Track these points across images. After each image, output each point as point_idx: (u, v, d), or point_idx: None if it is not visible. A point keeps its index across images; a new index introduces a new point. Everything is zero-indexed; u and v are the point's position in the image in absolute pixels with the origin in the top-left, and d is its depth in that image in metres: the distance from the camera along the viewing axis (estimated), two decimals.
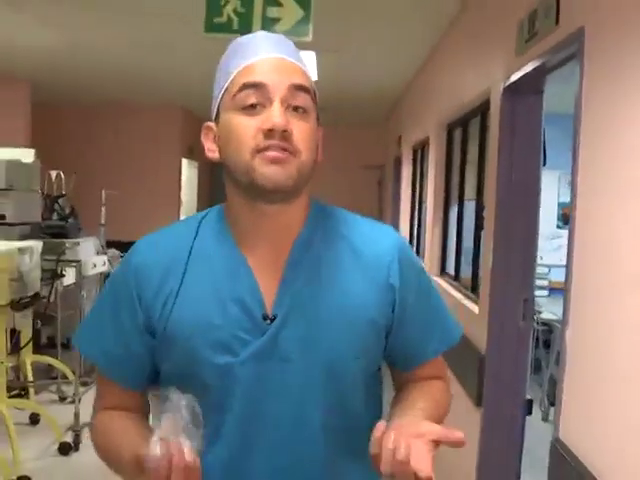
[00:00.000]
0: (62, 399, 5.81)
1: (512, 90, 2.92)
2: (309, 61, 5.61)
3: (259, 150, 1.21)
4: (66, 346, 6.15)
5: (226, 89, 1.26)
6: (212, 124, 1.32)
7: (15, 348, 5.03)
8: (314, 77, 1.34)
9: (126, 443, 1.24)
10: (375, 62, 6.34)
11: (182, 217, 10.17)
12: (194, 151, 10.52)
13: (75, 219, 5.70)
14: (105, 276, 6.07)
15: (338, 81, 6.64)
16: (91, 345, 1.39)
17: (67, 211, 5.73)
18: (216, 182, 11.90)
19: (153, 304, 1.31)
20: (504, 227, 3.03)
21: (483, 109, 3.64)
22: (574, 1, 2.19)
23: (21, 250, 4.33)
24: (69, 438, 4.88)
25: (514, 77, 2.82)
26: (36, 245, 4.52)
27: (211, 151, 1.32)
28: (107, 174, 8.32)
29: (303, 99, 1.24)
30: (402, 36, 5.25)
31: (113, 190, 6.68)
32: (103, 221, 6.43)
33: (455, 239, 4.54)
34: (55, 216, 5.72)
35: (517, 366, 3.03)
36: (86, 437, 4.96)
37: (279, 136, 1.20)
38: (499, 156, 3.07)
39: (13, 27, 5.31)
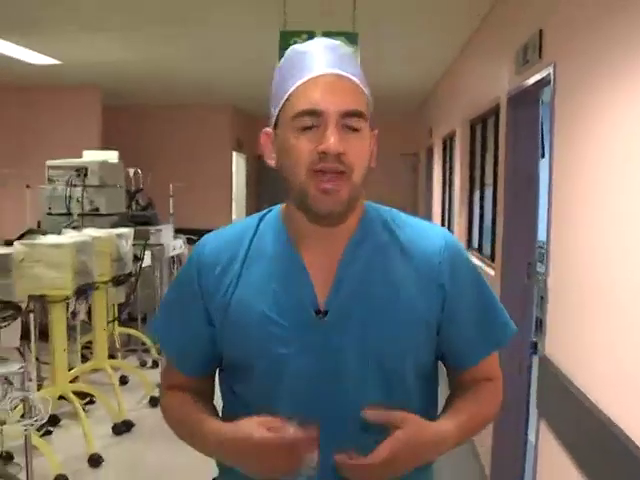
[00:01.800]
0: (142, 364, 6.74)
1: (514, 100, 3.73)
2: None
3: (314, 170, 1.25)
4: (144, 320, 7.11)
5: (285, 103, 1.28)
6: (271, 131, 1.34)
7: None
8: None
9: (198, 420, 1.34)
10: (408, 62, 6.92)
11: (233, 205, 11.00)
12: (243, 145, 11.18)
13: (152, 209, 6.58)
14: (177, 259, 6.96)
15: (377, 75, 7.29)
16: (161, 333, 1.47)
17: (145, 203, 6.62)
18: (262, 173, 12.42)
19: (214, 295, 1.36)
20: (511, 206, 3.84)
21: (496, 111, 4.40)
22: (551, 42, 3.01)
23: (119, 236, 5.21)
24: (157, 393, 5.84)
25: (513, 91, 3.64)
26: (129, 232, 5.38)
27: (270, 158, 1.35)
28: (170, 169, 8.89)
29: (357, 121, 1.25)
30: (433, 41, 5.88)
31: (178, 183, 7.52)
32: (172, 211, 7.30)
33: (478, 218, 5.33)
34: (134, 207, 6.61)
35: (524, 314, 3.83)
36: None
37: (333, 158, 1.23)
38: (506, 150, 3.88)
39: (94, 46, 6.04)
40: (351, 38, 3.57)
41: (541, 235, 3.48)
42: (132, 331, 6.67)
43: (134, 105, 9.83)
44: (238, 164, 11.15)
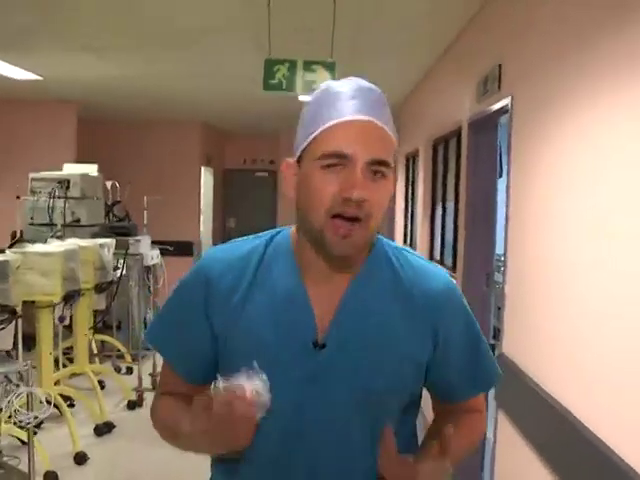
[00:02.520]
0: (117, 370, 6.94)
1: (474, 124, 4.13)
2: None
3: (333, 214, 1.25)
4: (118, 327, 7.33)
5: (310, 143, 1.28)
6: (293, 163, 1.34)
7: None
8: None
9: (183, 416, 1.32)
10: (376, 79, 7.34)
11: (202, 217, 11.26)
12: (211, 159, 11.49)
13: (129, 221, 6.84)
14: (147, 269, 7.20)
15: None
16: (160, 340, 1.50)
17: (122, 215, 6.88)
18: (227, 186, 12.77)
19: (219, 313, 1.38)
20: (471, 221, 4.23)
21: (458, 133, 4.78)
22: (509, 76, 3.41)
23: (101, 245, 5.47)
24: (134, 397, 6.10)
25: (474, 117, 4.03)
26: (111, 242, 5.65)
27: (290, 190, 1.35)
28: (143, 182, 8.98)
29: (383, 169, 1.26)
30: (400, 62, 6.14)
31: (151, 196, 7.73)
32: (146, 222, 7.52)
33: (440, 232, 5.71)
34: (111, 219, 6.86)
35: (483, 319, 4.19)
36: (145, 397, 6.20)
37: (355, 205, 1.23)
38: (467, 169, 4.27)
39: (74, 63, 6.23)
40: (329, 66, 3.92)
41: (499, 248, 3.87)
42: (107, 338, 6.90)
43: (109, 119, 10.01)
44: (206, 178, 11.42)
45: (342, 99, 1.28)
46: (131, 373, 6.83)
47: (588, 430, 2.16)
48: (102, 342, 6.94)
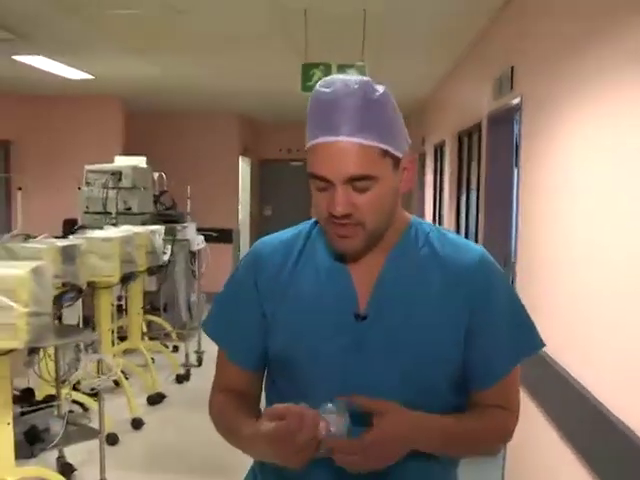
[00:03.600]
0: (165, 347, 7.50)
1: (493, 119, 4.53)
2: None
3: (331, 223, 1.36)
4: (164, 309, 7.85)
5: (308, 153, 1.37)
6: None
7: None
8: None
9: (243, 421, 1.38)
10: (404, 76, 7.43)
11: (240, 206, 11.75)
12: (248, 150, 11.92)
13: (175, 209, 7.33)
14: (192, 255, 7.70)
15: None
16: (216, 329, 1.56)
17: (169, 204, 7.37)
18: (264, 176, 13.22)
19: (269, 292, 1.47)
20: (490, 207, 4.64)
21: (479, 126, 5.17)
22: (520, 78, 3.82)
23: (152, 232, 5.95)
24: (182, 371, 6.63)
25: (492, 112, 4.44)
26: (160, 228, 6.11)
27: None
28: (185, 172, 9.40)
29: (365, 183, 1.32)
30: (426, 62, 6.57)
31: (193, 185, 8.21)
32: (189, 211, 8.01)
33: (464, 217, 6.12)
34: (159, 207, 7.35)
35: None
36: (191, 372, 6.73)
37: (342, 217, 1.33)
38: (487, 160, 4.69)
39: (123, 64, 6.71)
40: (360, 69, 4.35)
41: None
42: (155, 318, 7.42)
43: (151, 113, 10.45)
44: (243, 168, 11.87)
45: (328, 112, 1.32)
46: (177, 351, 7.32)
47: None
48: (150, 322, 7.42)
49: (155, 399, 5.84)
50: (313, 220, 1.53)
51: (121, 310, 6.75)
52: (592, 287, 2.57)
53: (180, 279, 7.75)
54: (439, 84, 7.81)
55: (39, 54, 6.05)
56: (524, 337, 1.48)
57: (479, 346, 1.42)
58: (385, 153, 1.33)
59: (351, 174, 1.30)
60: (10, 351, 3.25)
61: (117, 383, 5.65)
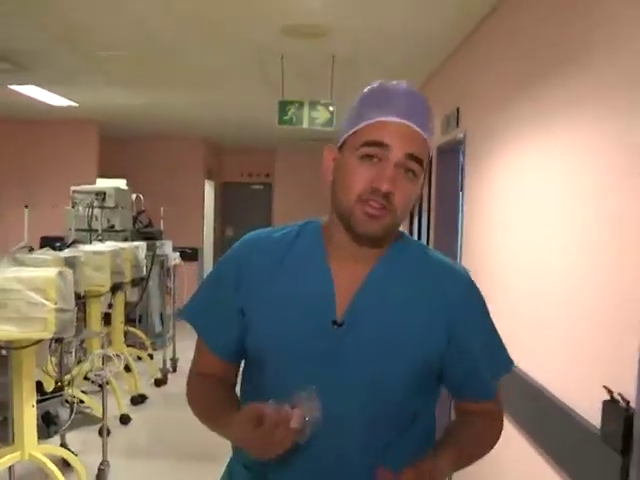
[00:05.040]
0: (139, 358, 8.04)
1: (441, 150, 5.28)
2: None
3: (362, 200, 1.32)
4: (139, 320, 8.33)
5: (355, 132, 1.36)
6: (335, 150, 1.42)
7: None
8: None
9: (218, 405, 1.43)
10: None
11: (205, 224, 12.32)
12: (212, 173, 12.54)
13: (152, 227, 7.92)
14: (164, 271, 8.27)
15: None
16: (195, 316, 1.55)
17: (146, 222, 7.96)
18: (226, 198, 13.83)
19: (248, 290, 1.46)
20: (439, 227, 5.38)
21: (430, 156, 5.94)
22: (464, 117, 4.57)
23: (136, 247, 6.54)
24: (159, 376, 7.19)
25: (442, 144, 5.20)
26: (143, 244, 6.69)
27: (327, 173, 1.42)
28: (158, 193, 9.99)
29: (415, 166, 1.33)
30: None
31: (164, 206, 8.78)
32: (162, 229, 8.56)
33: (417, 237, 6.83)
34: (138, 225, 7.92)
35: None
36: (170, 376, 7.31)
37: (382, 196, 1.31)
38: (436, 187, 5.43)
39: (105, 92, 7.24)
40: (329, 105, 5.09)
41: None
42: (132, 328, 7.95)
43: (123, 136, 10.95)
44: (208, 190, 12.47)
45: (392, 101, 1.36)
46: (152, 359, 7.86)
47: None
48: (126, 332, 7.95)
49: (137, 400, 6.41)
50: (304, 221, 1.54)
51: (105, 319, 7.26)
52: (521, 289, 3.29)
53: (154, 292, 8.32)
54: None
55: (33, 84, 6.63)
56: (501, 356, 1.55)
57: (463, 364, 1.46)
58: (428, 154, 1.41)
59: (412, 151, 1.33)
60: (38, 341, 3.83)
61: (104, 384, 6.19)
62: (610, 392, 2.15)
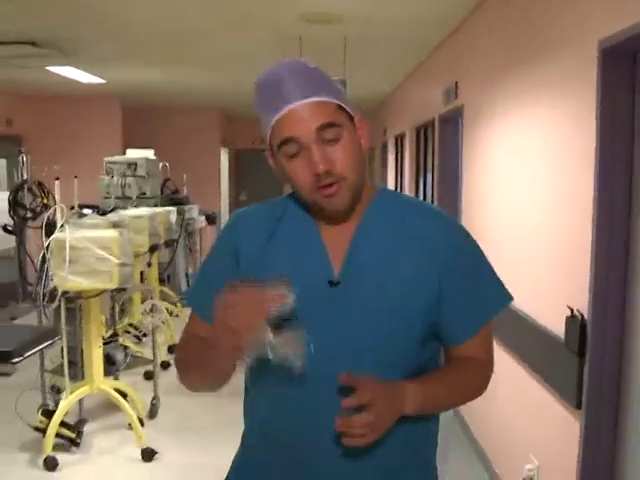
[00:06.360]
0: (169, 314, 8.73)
1: (443, 120, 5.88)
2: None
3: (315, 188, 1.38)
4: (168, 279, 8.90)
5: (270, 136, 1.40)
6: (270, 152, 1.45)
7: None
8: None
9: (204, 342, 1.44)
10: (369, 77, 8.36)
11: (222, 189, 12.92)
12: (226, 141, 13.13)
13: (179, 194, 8.56)
14: (189, 234, 8.91)
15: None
16: (193, 297, 1.61)
17: (173, 189, 8.60)
18: (240, 164, 14.50)
19: (245, 262, 1.51)
20: (442, 185, 6.01)
21: (433, 123, 6.40)
22: (461, 90, 5.20)
23: (169, 211, 7.19)
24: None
25: (443, 113, 5.82)
26: (173, 209, 7.35)
27: (279, 174, 1.47)
28: (176, 161, 10.37)
29: (332, 131, 1.35)
30: (388, 68, 7.77)
31: (186, 174, 9.41)
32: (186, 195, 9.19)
33: (422, 194, 7.47)
34: (165, 192, 8.56)
35: None
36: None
37: (325, 176, 1.35)
38: (439, 150, 6.06)
39: (132, 70, 7.80)
40: (341, 82, 5.69)
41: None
42: (164, 288, 8.61)
43: (144, 108, 11.46)
44: (223, 157, 13.08)
45: (276, 91, 1.37)
46: (178, 317, 8.57)
47: None
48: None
49: (174, 349, 7.09)
50: (287, 194, 1.57)
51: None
52: (505, 234, 3.97)
53: (180, 254, 8.95)
54: (399, 85, 9.05)
55: (71, 65, 7.20)
56: (492, 294, 1.54)
57: (451, 306, 1.46)
58: (340, 107, 1.39)
59: (319, 124, 1.34)
60: (104, 291, 4.52)
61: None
62: (571, 309, 2.84)
